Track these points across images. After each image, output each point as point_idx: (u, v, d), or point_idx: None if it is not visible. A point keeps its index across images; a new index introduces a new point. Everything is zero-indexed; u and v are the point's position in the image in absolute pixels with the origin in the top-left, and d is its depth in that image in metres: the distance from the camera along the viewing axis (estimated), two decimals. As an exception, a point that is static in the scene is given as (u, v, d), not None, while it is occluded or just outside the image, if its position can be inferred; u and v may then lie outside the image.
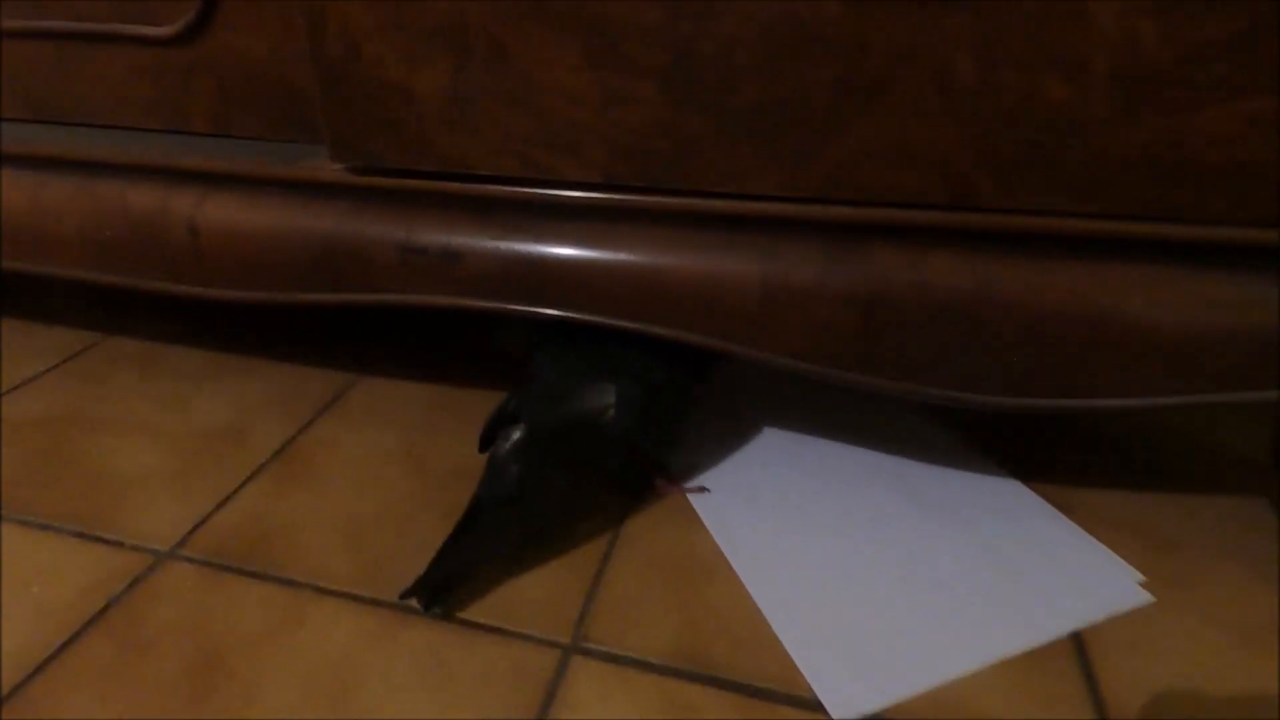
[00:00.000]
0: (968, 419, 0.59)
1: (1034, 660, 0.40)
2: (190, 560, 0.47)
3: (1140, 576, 0.45)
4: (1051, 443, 0.57)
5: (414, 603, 0.43)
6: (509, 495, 0.46)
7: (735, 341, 0.46)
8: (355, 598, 0.45)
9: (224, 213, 0.54)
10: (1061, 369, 0.41)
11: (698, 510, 0.51)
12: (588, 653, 0.41)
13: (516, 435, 0.47)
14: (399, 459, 0.56)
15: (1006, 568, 0.46)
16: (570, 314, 0.48)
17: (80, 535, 0.49)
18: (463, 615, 0.43)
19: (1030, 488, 0.52)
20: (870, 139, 0.40)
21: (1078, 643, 0.41)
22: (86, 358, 0.70)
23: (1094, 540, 0.48)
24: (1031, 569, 0.46)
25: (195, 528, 0.50)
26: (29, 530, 0.50)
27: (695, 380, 0.53)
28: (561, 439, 0.48)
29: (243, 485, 0.54)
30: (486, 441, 0.49)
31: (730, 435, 0.58)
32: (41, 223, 0.59)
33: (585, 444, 0.48)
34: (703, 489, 0.52)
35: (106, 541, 0.49)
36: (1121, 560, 0.46)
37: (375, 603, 0.44)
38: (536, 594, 0.45)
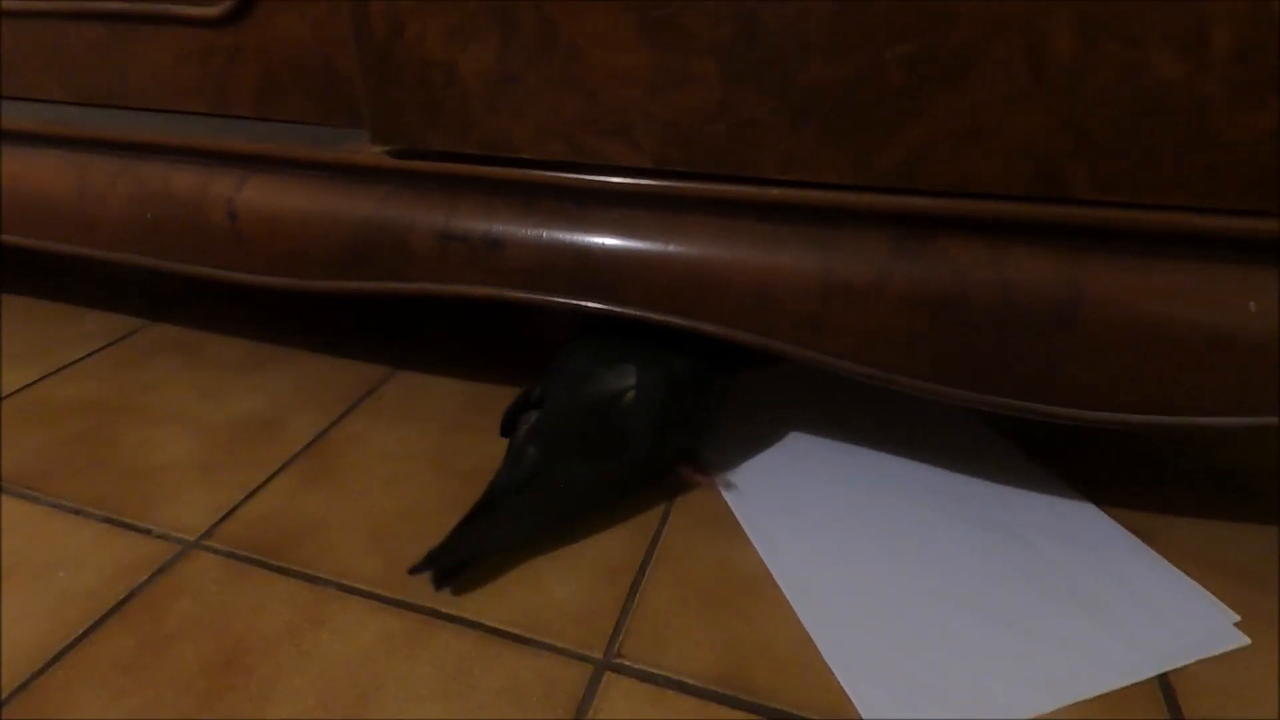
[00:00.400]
0: (1035, 434, 0.55)
1: (1115, 704, 0.37)
2: (215, 552, 0.46)
3: (1235, 616, 0.41)
4: (1127, 464, 0.53)
5: (429, 583, 0.43)
6: (524, 478, 0.45)
7: (791, 342, 0.43)
8: (379, 598, 0.43)
9: (263, 196, 0.53)
10: (1160, 381, 0.37)
11: (741, 522, 0.48)
12: (621, 670, 0.39)
13: (535, 417, 0.46)
14: (430, 457, 0.54)
15: (1084, 600, 0.42)
16: (615, 308, 0.46)
17: (109, 521, 0.49)
18: (490, 623, 0.41)
19: (1106, 512, 0.48)
20: (950, 122, 0.37)
21: (1165, 686, 0.37)
22: (128, 344, 0.70)
23: (1180, 573, 0.44)
24: (1112, 602, 0.42)
25: (222, 519, 0.49)
26: (61, 514, 0.49)
27: (725, 374, 0.50)
28: (580, 421, 0.46)
29: (272, 478, 0.52)
30: (508, 427, 0.48)
31: (778, 443, 0.55)
32: (85, 205, 0.58)
33: (604, 428, 0.46)
34: (730, 484, 0.50)
35: (135, 529, 0.48)
36: (1213, 597, 0.42)
37: (399, 604, 0.42)
38: (569, 604, 0.42)
